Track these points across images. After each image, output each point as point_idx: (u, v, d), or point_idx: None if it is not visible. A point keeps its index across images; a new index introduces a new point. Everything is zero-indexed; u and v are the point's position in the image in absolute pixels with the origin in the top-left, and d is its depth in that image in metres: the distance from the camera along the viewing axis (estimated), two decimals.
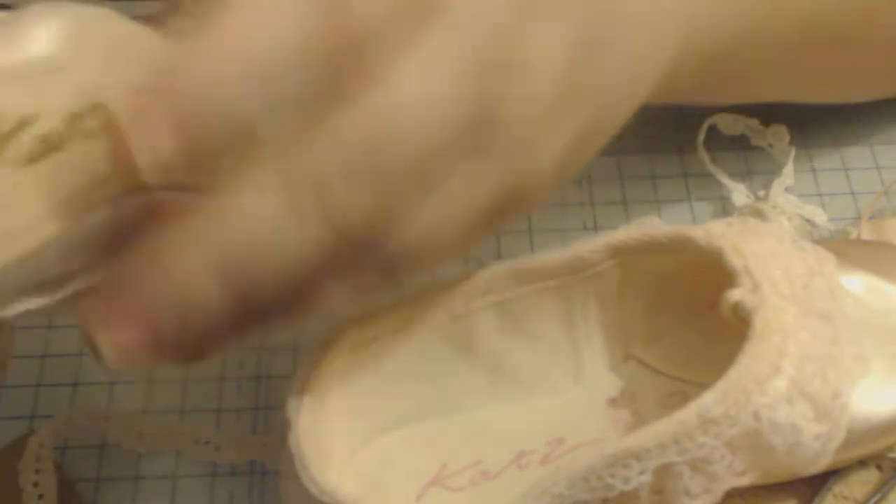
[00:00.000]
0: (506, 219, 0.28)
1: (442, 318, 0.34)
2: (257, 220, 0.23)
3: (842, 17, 0.38)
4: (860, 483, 0.36)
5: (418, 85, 0.24)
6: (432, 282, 0.34)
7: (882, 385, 0.33)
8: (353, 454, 0.34)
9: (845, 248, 0.37)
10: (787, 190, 0.44)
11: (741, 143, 0.47)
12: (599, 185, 0.46)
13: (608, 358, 0.37)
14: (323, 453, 0.32)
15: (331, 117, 0.23)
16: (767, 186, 0.44)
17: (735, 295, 0.32)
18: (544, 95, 0.26)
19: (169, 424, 0.39)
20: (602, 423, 0.36)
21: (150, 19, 0.25)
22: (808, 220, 0.44)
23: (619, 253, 0.35)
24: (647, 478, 0.30)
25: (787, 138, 0.46)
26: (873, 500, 0.35)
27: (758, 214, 0.43)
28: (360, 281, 0.26)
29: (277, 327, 0.26)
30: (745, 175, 0.46)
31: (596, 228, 0.45)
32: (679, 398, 0.35)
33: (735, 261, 0.33)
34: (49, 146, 0.23)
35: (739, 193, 0.44)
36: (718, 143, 0.46)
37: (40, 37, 0.22)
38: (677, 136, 0.46)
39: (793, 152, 0.45)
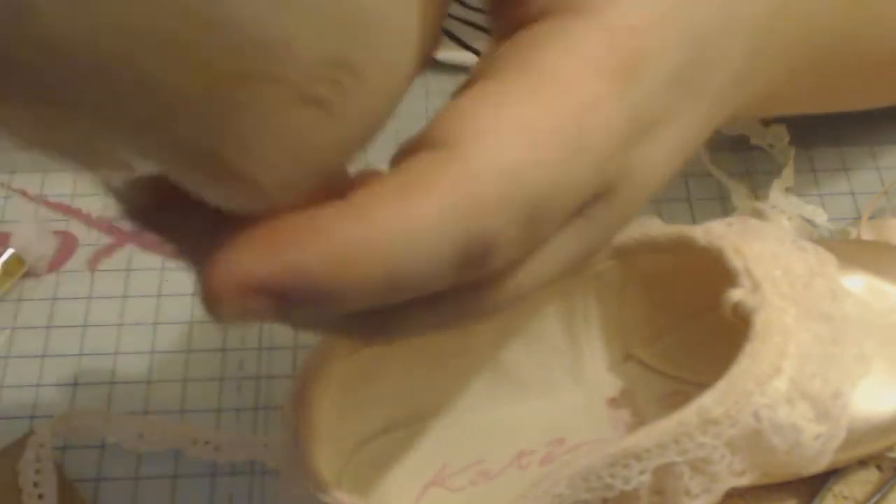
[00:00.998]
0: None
1: None
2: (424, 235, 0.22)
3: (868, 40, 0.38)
4: (860, 483, 0.36)
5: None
6: None
7: (882, 385, 0.33)
8: (353, 454, 0.34)
9: (845, 248, 0.37)
10: (787, 190, 0.44)
11: (741, 143, 0.47)
12: None
13: (608, 358, 0.37)
14: (323, 453, 0.32)
15: None
16: (767, 186, 0.44)
17: (735, 295, 0.32)
18: (667, 167, 0.26)
19: (169, 424, 0.39)
20: (602, 424, 0.36)
21: None
22: (808, 220, 0.44)
23: (619, 253, 0.35)
24: (647, 478, 0.30)
25: (787, 138, 0.46)
26: (873, 500, 0.35)
27: (758, 214, 0.43)
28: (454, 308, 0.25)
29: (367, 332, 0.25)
30: (745, 175, 0.46)
31: None
32: (679, 398, 0.35)
33: (735, 261, 0.33)
34: None
35: (739, 193, 0.44)
36: (718, 143, 0.46)
37: None
38: None
39: (793, 152, 0.45)
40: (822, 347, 0.32)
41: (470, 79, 0.24)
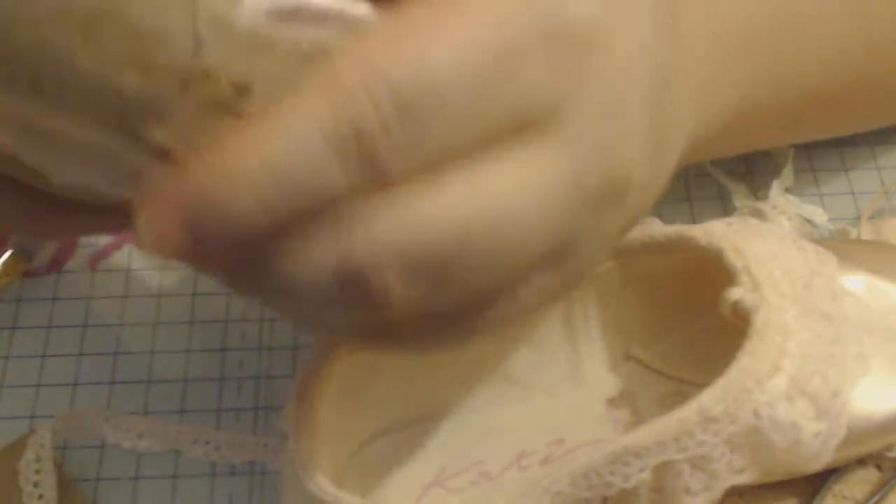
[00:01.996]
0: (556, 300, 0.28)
1: None
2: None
3: (848, 72, 0.38)
4: (860, 482, 0.36)
5: (515, 197, 0.22)
6: None
7: (882, 384, 0.33)
8: (353, 455, 0.34)
9: (845, 248, 0.37)
10: (787, 190, 0.44)
11: None
12: None
13: (608, 358, 0.37)
14: (323, 454, 0.32)
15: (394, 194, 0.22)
16: (767, 186, 0.44)
17: (735, 294, 0.32)
18: (634, 212, 0.26)
19: (169, 424, 0.39)
20: (602, 424, 0.36)
21: None
22: (808, 220, 0.44)
23: (619, 253, 0.35)
24: (647, 475, 0.30)
25: None
26: (873, 500, 0.35)
27: (758, 214, 0.43)
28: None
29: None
30: (745, 175, 0.46)
31: None
32: (679, 398, 0.35)
33: (735, 261, 0.33)
34: None
35: (739, 193, 0.44)
36: None
37: None
38: None
39: (793, 152, 0.45)
40: (821, 346, 0.32)
41: None
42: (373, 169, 0.21)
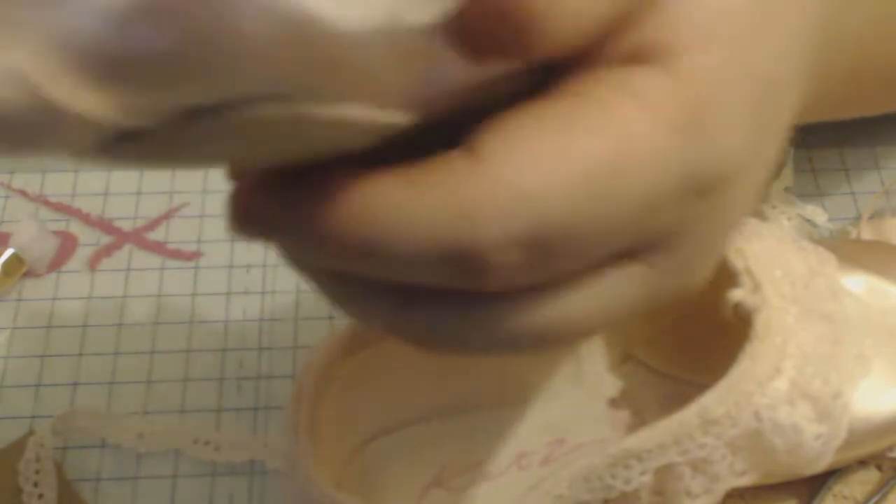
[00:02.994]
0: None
1: None
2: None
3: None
4: (860, 483, 0.36)
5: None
6: None
7: (882, 385, 0.33)
8: (353, 455, 0.34)
9: (845, 248, 0.37)
10: (787, 190, 0.44)
11: None
12: None
13: (608, 358, 0.37)
14: (323, 454, 0.32)
15: None
16: (767, 187, 0.44)
17: (736, 295, 0.32)
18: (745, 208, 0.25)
19: (169, 424, 0.39)
20: (602, 424, 0.36)
21: None
22: (808, 220, 0.44)
23: None
24: (647, 478, 0.30)
25: (787, 138, 0.46)
26: (873, 500, 0.35)
27: (758, 214, 0.43)
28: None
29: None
30: None
31: None
32: (679, 398, 0.35)
33: (736, 261, 0.33)
34: None
35: None
36: None
37: None
38: None
39: (792, 152, 0.45)
40: (822, 348, 0.32)
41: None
42: (476, 282, 0.22)
